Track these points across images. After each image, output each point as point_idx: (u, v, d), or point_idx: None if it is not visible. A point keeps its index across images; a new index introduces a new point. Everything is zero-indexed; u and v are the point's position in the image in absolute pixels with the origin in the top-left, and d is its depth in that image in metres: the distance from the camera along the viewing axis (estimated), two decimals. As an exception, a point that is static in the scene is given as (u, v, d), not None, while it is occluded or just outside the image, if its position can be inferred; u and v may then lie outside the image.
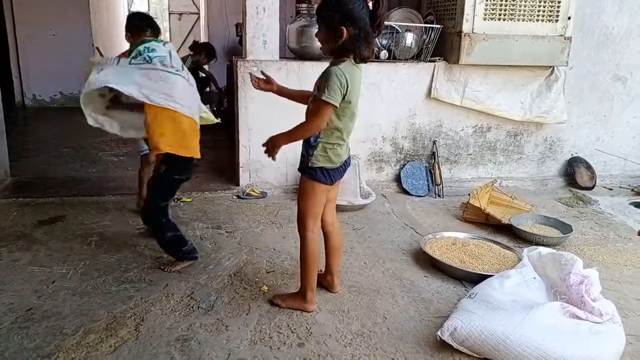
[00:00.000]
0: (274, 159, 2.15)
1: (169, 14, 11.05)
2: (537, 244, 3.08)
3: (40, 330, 2.10)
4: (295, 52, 4.05)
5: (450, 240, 3.01)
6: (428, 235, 3.06)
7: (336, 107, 2.02)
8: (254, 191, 3.86)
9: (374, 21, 2.01)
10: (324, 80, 2.02)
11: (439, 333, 2.03)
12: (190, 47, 6.78)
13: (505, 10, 3.88)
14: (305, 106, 2.19)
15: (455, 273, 2.67)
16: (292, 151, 3.87)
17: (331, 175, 2.16)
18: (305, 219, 2.21)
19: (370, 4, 2.03)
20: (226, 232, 3.18)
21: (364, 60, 2.06)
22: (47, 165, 4.43)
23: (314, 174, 2.15)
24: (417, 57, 4.10)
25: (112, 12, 8.32)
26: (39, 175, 4.13)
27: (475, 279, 2.51)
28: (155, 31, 2.86)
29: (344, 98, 2.02)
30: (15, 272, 2.59)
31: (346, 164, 2.23)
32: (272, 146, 2.14)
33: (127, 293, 2.40)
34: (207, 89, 7.36)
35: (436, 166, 4.10)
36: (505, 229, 3.34)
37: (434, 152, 4.17)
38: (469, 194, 3.55)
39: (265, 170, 3.96)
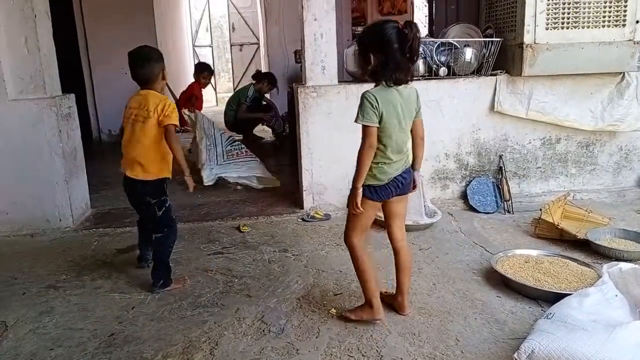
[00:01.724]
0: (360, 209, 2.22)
1: (231, 45, 11.51)
2: (618, 259, 2.91)
3: (122, 355, 2.21)
4: (353, 75, 4.10)
5: (522, 258, 2.90)
6: (499, 253, 2.97)
7: (376, 127, 2.12)
8: (317, 214, 3.91)
9: (404, 46, 2.09)
10: (358, 107, 2.15)
11: (515, 356, 1.95)
12: (253, 77, 7.06)
13: (568, 19, 3.77)
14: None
15: (530, 292, 2.57)
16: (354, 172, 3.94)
17: (378, 193, 2.22)
18: (350, 232, 2.30)
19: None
20: (293, 255, 3.23)
21: (399, 83, 2.15)
22: (124, 197, 4.63)
23: (363, 191, 2.21)
24: (478, 71, 4.04)
25: (179, 51, 8.76)
26: (116, 207, 4.37)
27: (552, 298, 2.40)
28: None
29: (381, 118, 2.11)
30: (98, 299, 2.74)
31: (398, 181, 2.25)
32: (354, 200, 2.21)
33: (201, 317, 2.49)
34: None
35: (504, 181, 3.99)
36: (581, 245, 3.19)
37: (500, 167, 4.06)
38: (541, 209, 3.42)
39: (328, 192, 4.00)
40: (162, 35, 8.06)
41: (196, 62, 11.02)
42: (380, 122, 2.12)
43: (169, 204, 2.84)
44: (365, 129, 2.13)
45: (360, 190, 2.20)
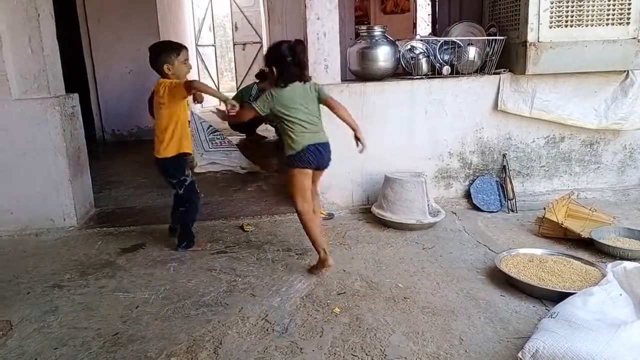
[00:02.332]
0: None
1: (234, 44, 11.51)
2: (622, 258, 2.90)
3: (126, 354, 2.21)
4: (356, 74, 4.10)
5: (526, 257, 2.90)
6: (503, 252, 2.96)
7: (261, 113, 2.86)
8: (321, 213, 3.90)
9: (294, 59, 2.79)
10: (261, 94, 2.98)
11: (519, 355, 1.95)
12: (256, 76, 7.06)
13: (572, 17, 3.75)
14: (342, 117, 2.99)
15: (534, 291, 2.56)
16: (358, 170, 3.95)
17: (298, 160, 2.83)
18: (294, 199, 2.89)
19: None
20: (296, 254, 3.23)
21: (292, 82, 2.83)
22: (127, 196, 4.70)
23: (287, 161, 2.89)
24: (481, 70, 4.03)
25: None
26: (120, 206, 4.39)
27: (556, 297, 2.40)
28: None
29: (273, 107, 2.83)
30: (102, 298, 2.75)
31: (312, 150, 2.85)
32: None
33: (205, 317, 2.49)
34: None
35: (507, 180, 3.98)
36: (585, 244, 3.18)
37: (504, 166, 4.06)
38: (545, 208, 3.42)
39: (331, 191, 4.00)
40: (165, 35, 8.05)
41: (199, 61, 11.03)
42: (272, 110, 2.83)
43: (189, 182, 3.24)
44: (252, 109, 2.90)
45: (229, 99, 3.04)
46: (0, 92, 3.58)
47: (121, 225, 3.86)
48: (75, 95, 4.03)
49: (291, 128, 2.84)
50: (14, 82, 3.62)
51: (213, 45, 12.07)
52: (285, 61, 2.81)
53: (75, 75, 6.86)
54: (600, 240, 3.10)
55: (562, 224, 3.26)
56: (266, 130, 7.40)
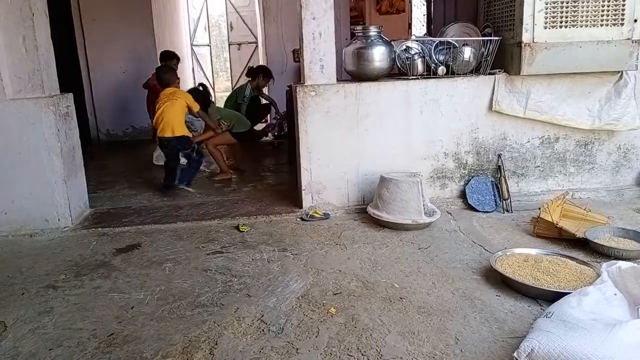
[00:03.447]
0: None
1: (229, 44, 11.48)
2: (617, 258, 2.92)
3: (122, 355, 2.20)
4: (351, 74, 4.10)
5: (522, 257, 2.91)
6: (498, 252, 2.97)
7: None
8: (317, 213, 3.91)
9: None
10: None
11: (515, 354, 1.96)
12: (247, 74, 6.97)
13: (566, 17, 3.77)
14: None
15: (529, 291, 2.57)
16: (353, 170, 3.96)
17: None
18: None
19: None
20: (292, 254, 3.23)
21: None
22: (123, 196, 4.68)
23: None
24: (476, 70, 4.04)
25: (177, 50, 8.74)
26: (115, 206, 4.37)
27: (551, 297, 2.41)
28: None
29: None
30: (97, 299, 2.74)
31: None
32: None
33: (200, 317, 2.48)
34: (268, 115, 7.54)
35: (502, 180, 3.99)
36: (580, 244, 3.19)
37: (499, 166, 4.07)
38: (539, 208, 3.43)
39: (327, 191, 4.00)
40: (160, 34, 8.04)
41: (194, 61, 11.00)
42: None
43: (197, 147, 4.91)
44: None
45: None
46: (-6, 92, 3.57)
47: (116, 226, 3.85)
48: (70, 95, 4.01)
49: None
50: (8, 82, 3.60)
51: (208, 45, 12.04)
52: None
53: (70, 75, 6.84)
54: (595, 240, 3.11)
55: (557, 224, 3.27)
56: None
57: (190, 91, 5.21)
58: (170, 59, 6.42)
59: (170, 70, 5.19)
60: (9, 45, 3.57)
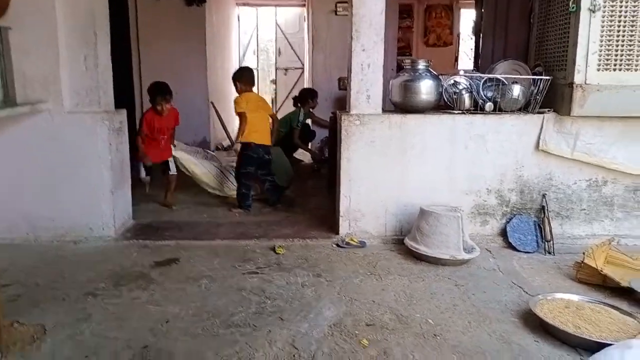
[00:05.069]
0: None
1: (276, 69, 11.73)
2: (665, 311, 2.79)
3: (154, 368, 2.24)
4: (397, 105, 4.11)
5: (563, 302, 2.81)
6: (538, 295, 2.88)
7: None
8: (353, 240, 3.89)
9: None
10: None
11: (552, 404, 1.88)
12: (298, 100, 7.10)
13: (621, 61, 3.69)
14: None
15: (569, 339, 2.48)
16: (393, 201, 3.94)
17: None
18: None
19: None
20: (326, 280, 3.22)
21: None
22: (165, 210, 4.79)
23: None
24: (525, 108, 3.99)
25: (227, 70, 8.98)
26: (157, 219, 4.47)
27: (592, 347, 2.32)
28: None
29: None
30: (134, 309, 2.80)
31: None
32: None
33: (233, 337, 2.50)
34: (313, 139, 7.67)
35: (546, 221, 3.89)
36: (624, 293, 3.06)
37: (543, 206, 3.97)
38: (584, 253, 3.32)
39: (365, 219, 3.99)
40: (211, 58, 8.29)
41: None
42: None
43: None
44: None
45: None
46: (53, 104, 3.75)
47: (157, 239, 3.93)
48: (123, 111, 4.18)
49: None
50: (67, 96, 3.79)
51: (256, 69, 12.34)
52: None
53: (124, 93, 7.10)
54: (641, 291, 2.98)
55: (601, 271, 3.15)
56: (302, 154, 7.45)
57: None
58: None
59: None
60: (71, 63, 3.78)
